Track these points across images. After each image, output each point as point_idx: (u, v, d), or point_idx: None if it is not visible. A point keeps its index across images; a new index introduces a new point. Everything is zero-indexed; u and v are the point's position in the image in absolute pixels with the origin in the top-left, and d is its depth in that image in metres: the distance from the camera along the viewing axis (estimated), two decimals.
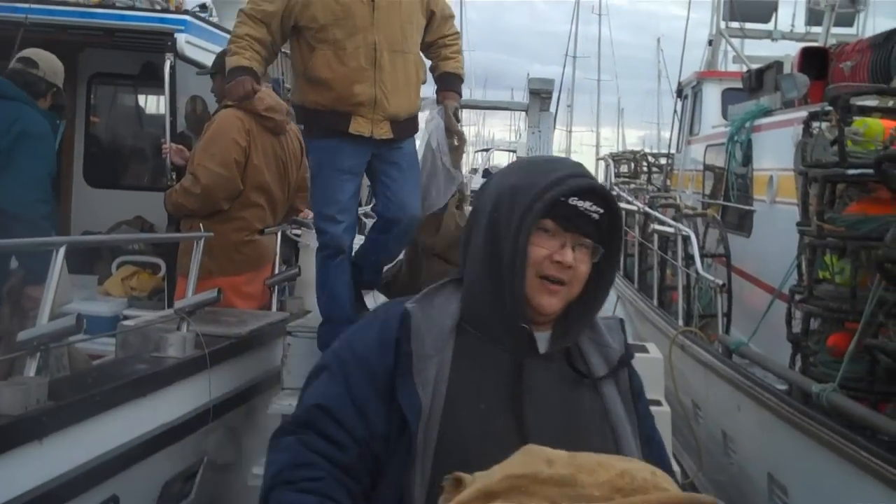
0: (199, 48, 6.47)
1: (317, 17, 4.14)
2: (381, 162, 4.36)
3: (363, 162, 4.34)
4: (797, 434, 5.18)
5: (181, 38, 6.43)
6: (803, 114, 6.53)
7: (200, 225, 5.18)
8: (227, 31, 7.54)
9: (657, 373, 6.86)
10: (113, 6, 6.99)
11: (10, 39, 5.83)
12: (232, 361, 4.44)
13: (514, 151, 47.22)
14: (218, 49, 6.58)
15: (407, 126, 4.38)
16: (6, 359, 3.23)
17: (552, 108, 4.77)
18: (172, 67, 6.41)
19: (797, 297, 5.73)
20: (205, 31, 6.95)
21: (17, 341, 3.14)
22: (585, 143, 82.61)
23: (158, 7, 7.58)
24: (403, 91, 4.27)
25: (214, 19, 8.53)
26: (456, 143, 4.40)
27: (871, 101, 5.60)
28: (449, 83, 4.52)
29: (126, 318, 6.22)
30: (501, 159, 56.18)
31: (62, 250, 3.44)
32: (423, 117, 4.54)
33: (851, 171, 5.19)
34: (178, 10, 7.44)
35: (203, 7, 8.11)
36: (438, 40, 4.50)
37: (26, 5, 6.64)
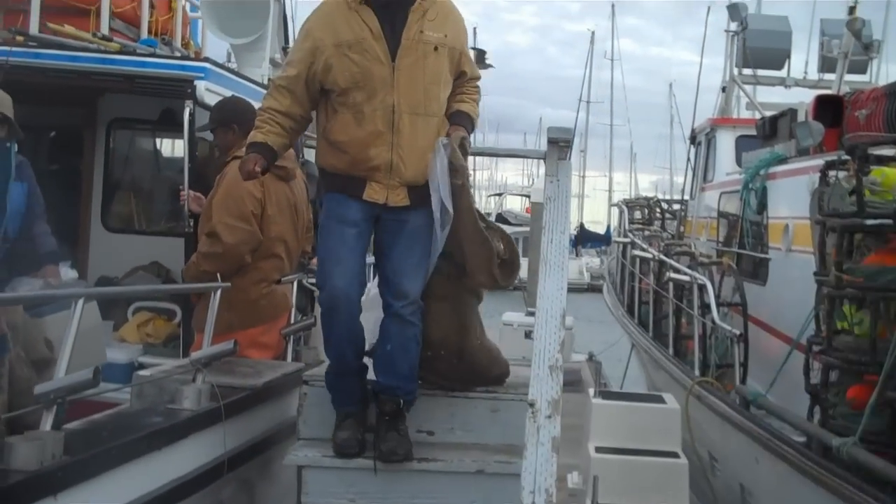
0: (218, 95, 6.51)
1: (337, 80, 4.07)
2: (385, 231, 4.20)
3: (370, 222, 4.19)
4: (817, 488, 5.12)
5: (201, 86, 6.46)
6: (819, 162, 6.51)
7: (218, 274, 5.18)
8: (247, 79, 7.64)
9: (674, 424, 6.84)
10: (134, 53, 7.06)
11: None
12: (247, 413, 4.42)
13: (527, 196, 47.34)
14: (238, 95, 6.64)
15: (425, 193, 4.12)
16: (25, 412, 3.20)
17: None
18: (192, 114, 6.45)
19: (815, 348, 5.68)
20: (224, 78, 7.00)
21: (35, 395, 3.12)
22: (598, 188, 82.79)
23: (178, 54, 7.65)
24: (424, 156, 4.08)
25: (234, 66, 8.62)
26: (460, 181, 4.10)
27: (888, 151, 5.58)
28: (459, 119, 4.32)
29: (141, 365, 6.22)
30: (514, 204, 56.44)
31: (81, 302, 3.44)
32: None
33: (870, 222, 5.16)
34: (198, 57, 7.50)
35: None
36: (457, 90, 4.37)
37: (46, 51, 6.73)
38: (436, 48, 4.13)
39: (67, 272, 6.04)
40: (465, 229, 4.12)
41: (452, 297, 4.32)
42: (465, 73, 4.34)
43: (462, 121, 4.31)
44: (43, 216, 5.64)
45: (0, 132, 5.25)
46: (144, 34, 8.40)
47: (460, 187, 4.07)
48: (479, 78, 4.48)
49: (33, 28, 7.23)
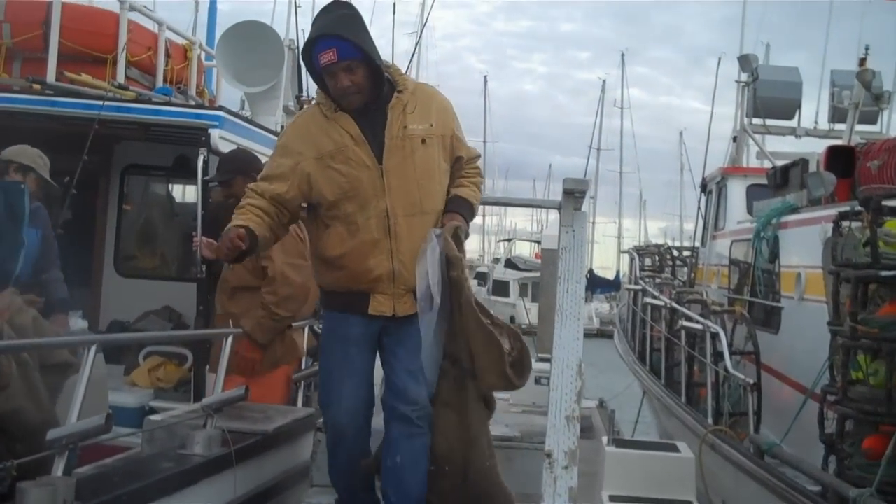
0: (232, 143, 6.56)
1: (324, 193, 3.84)
2: (389, 335, 3.95)
3: (373, 336, 3.95)
4: None
5: (215, 134, 6.52)
6: (831, 212, 6.52)
7: (230, 321, 5.19)
8: (261, 127, 7.72)
9: (688, 472, 6.77)
10: (149, 101, 7.13)
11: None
12: (258, 458, 4.39)
13: (537, 242, 47.43)
14: (251, 144, 6.69)
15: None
16: (38, 458, 3.19)
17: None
18: (206, 162, 6.50)
19: (830, 397, 5.64)
20: (238, 126, 7.06)
21: (47, 440, 3.12)
22: (608, 234, 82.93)
23: (193, 103, 7.72)
24: None
25: (248, 114, 8.70)
26: (455, 273, 3.74)
27: None
28: (455, 206, 3.99)
29: (152, 409, 6.21)
30: (523, 249, 56.54)
31: (94, 349, 3.44)
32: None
33: (885, 273, 5.15)
34: (213, 106, 7.57)
35: None
36: (456, 172, 4.10)
37: (63, 99, 6.81)
38: (423, 140, 3.89)
39: (77, 322, 6.06)
40: (468, 326, 3.78)
41: (459, 404, 3.89)
42: (460, 157, 4.10)
43: (458, 207, 4.01)
44: (56, 263, 5.69)
45: (17, 175, 5.31)
46: (160, 83, 8.50)
47: (457, 280, 3.75)
48: (478, 157, 4.25)
49: (50, 76, 7.33)
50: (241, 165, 5.77)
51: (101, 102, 6.69)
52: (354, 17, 3.84)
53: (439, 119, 3.99)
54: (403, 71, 4.14)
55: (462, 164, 4.10)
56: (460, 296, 3.75)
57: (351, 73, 3.76)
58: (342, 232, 3.84)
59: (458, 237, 3.84)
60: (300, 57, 4.13)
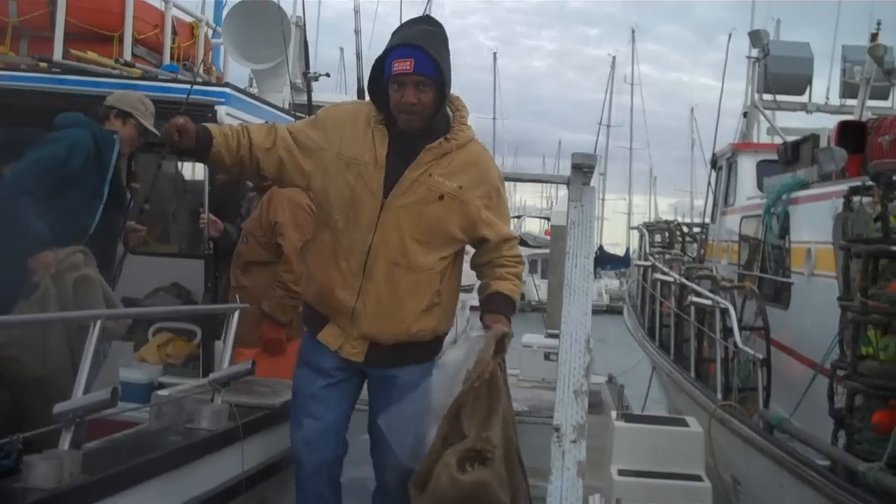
0: (238, 120, 6.53)
1: (328, 194, 3.65)
2: (372, 389, 3.80)
3: (350, 372, 3.74)
4: None
5: (221, 111, 6.49)
6: (842, 187, 6.48)
7: (237, 296, 5.18)
8: (267, 104, 7.68)
9: (697, 447, 6.78)
10: (155, 78, 7.10)
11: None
12: (265, 432, 4.40)
13: (546, 219, 47.37)
14: (258, 121, 6.66)
15: (394, 355, 3.65)
16: (44, 431, 3.20)
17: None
18: None
19: (840, 372, 5.63)
20: (245, 103, 7.03)
21: (53, 414, 3.12)
22: (617, 211, 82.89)
23: (200, 80, 7.69)
24: (395, 313, 3.59)
25: (255, 91, 8.67)
26: (476, 383, 3.25)
27: None
28: (501, 306, 3.64)
29: (161, 385, 6.22)
30: (533, 226, 56.50)
31: (98, 324, 3.44)
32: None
33: None
34: (220, 83, 7.54)
35: None
36: (495, 259, 3.73)
37: (69, 77, 6.79)
38: (441, 197, 3.57)
39: None
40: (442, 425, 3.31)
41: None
42: (486, 238, 3.70)
43: (503, 308, 3.63)
44: None
45: (116, 122, 5.22)
46: (167, 60, 8.46)
47: (469, 381, 3.27)
48: (514, 239, 3.81)
49: (57, 55, 7.31)
50: None
51: (107, 80, 6.69)
52: (441, 36, 3.61)
53: (472, 186, 3.64)
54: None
55: (496, 248, 3.73)
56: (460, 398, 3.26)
57: (420, 91, 3.51)
58: (327, 244, 3.66)
59: (503, 345, 3.40)
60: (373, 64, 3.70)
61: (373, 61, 3.72)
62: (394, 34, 3.60)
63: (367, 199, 3.55)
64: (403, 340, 3.64)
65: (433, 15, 4.72)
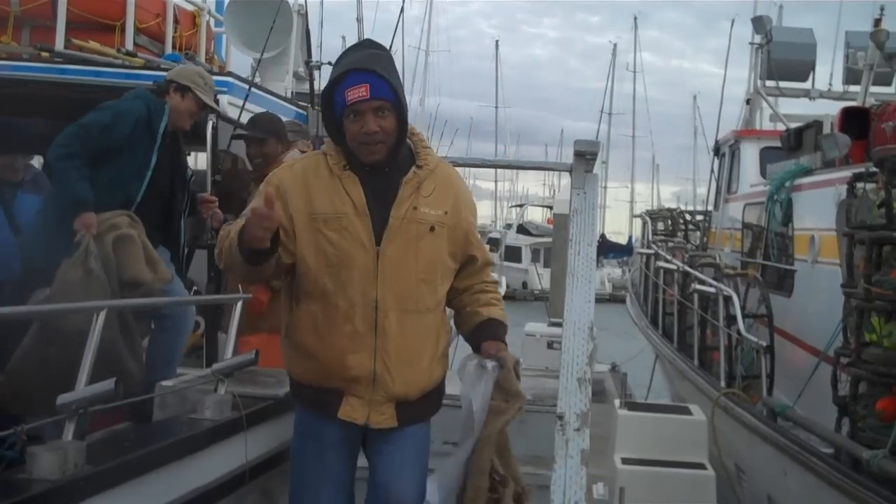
0: (239, 108, 6.52)
1: (305, 257, 3.26)
2: (372, 449, 3.42)
3: (354, 434, 3.37)
4: (846, 500, 5.09)
5: (224, 100, 6.47)
6: (845, 174, 6.47)
7: (239, 287, 5.18)
8: (269, 92, 7.66)
9: (701, 435, 6.80)
10: (158, 68, 7.08)
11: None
12: (269, 422, 4.40)
13: (549, 207, 47.39)
14: (259, 110, 6.65)
15: (420, 408, 3.40)
16: (45, 423, 3.20)
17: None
18: (215, 128, 6.45)
19: (843, 359, 5.63)
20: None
21: (57, 405, 3.13)
22: (620, 199, 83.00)
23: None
24: (416, 362, 3.31)
25: (257, 80, 8.64)
26: (503, 405, 3.21)
27: None
28: (498, 331, 3.47)
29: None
30: (535, 214, 56.52)
31: (103, 314, 3.45)
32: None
33: None
34: (222, 72, 7.52)
35: None
36: (476, 285, 3.55)
37: (71, 66, 6.78)
38: (432, 228, 3.32)
39: None
40: (475, 464, 3.29)
41: None
42: (474, 258, 3.53)
43: (500, 333, 3.48)
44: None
45: (176, 95, 5.26)
46: (169, 49, 8.43)
47: (499, 413, 3.20)
48: (492, 264, 3.71)
49: (59, 44, 7.29)
50: (278, 128, 5.88)
51: (109, 69, 6.67)
52: (389, 59, 3.35)
53: (456, 209, 3.41)
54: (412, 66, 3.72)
55: (479, 272, 3.56)
56: (489, 427, 3.20)
57: (381, 118, 3.20)
58: (316, 313, 3.26)
59: (517, 372, 3.28)
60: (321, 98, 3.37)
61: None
62: (337, 63, 3.33)
63: (357, 253, 3.21)
64: (429, 389, 3.40)
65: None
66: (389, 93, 3.21)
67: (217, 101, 5.53)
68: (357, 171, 3.27)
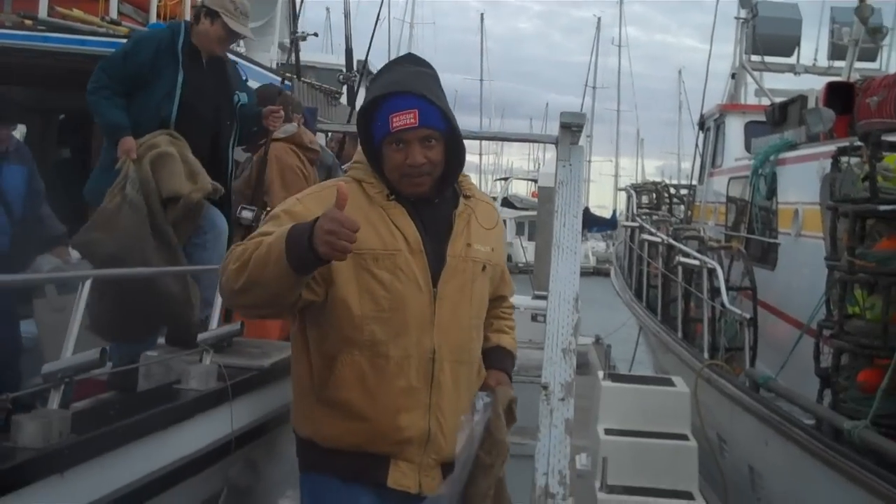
0: None
1: (349, 303, 2.75)
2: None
3: None
4: (828, 470, 5.12)
5: None
6: (829, 148, 6.50)
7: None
8: (252, 62, 7.61)
9: (683, 406, 6.85)
10: None
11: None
12: (254, 393, 4.40)
13: (533, 180, 47.39)
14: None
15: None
16: (30, 391, 3.20)
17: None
18: None
19: (826, 332, 5.67)
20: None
21: (42, 373, 3.12)
22: (604, 173, 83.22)
23: None
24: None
25: (241, 50, 8.58)
26: (490, 462, 2.71)
27: None
28: (503, 362, 3.11)
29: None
30: (520, 188, 56.54)
31: (88, 283, 3.43)
32: None
33: (883, 207, 5.14)
34: None
35: None
36: (493, 311, 3.14)
37: (55, 35, 6.71)
38: (484, 267, 2.94)
39: (75, 254, 6.06)
40: None
41: None
42: (504, 297, 3.20)
43: (506, 364, 3.13)
44: (44, 199, 5.67)
45: (206, 21, 5.13)
46: (153, 18, 8.36)
47: (487, 469, 2.71)
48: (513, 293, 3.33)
49: (42, 12, 7.21)
50: (274, 99, 5.80)
51: (93, 38, 6.60)
52: (437, 80, 2.92)
53: (498, 244, 3.06)
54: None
55: (499, 300, 3.19)
56: (479, 485, 2.69)
57: (428, 148, 2.78)
58: (363, 365, 2.77)
59: (512, 413, 2.89)
60: (357, 119, 2.88)
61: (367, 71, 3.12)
62: (377, 79, 2.93)
63: (412, 295, 2.78)
64: None
65: None
66: (441, 121, 2.80)
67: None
68: (402, 201, 2.84)
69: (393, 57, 3.53)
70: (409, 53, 3.02)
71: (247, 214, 5.46)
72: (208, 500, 4.23)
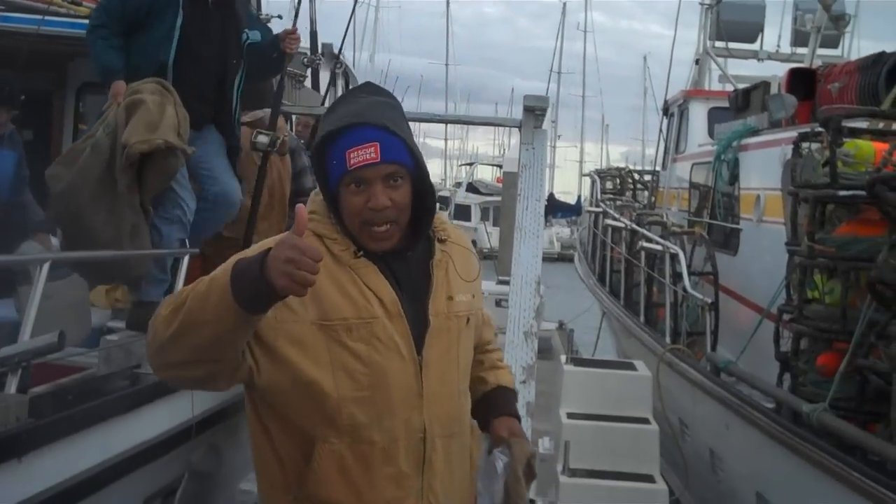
0: None
1: (322, 386, 2.28)
2: None
3: None
4: (787, 453, 5.19)
5: None
6: (791, 134, 6.55)
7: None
8: None
9: (645, 390, 6.90)
10: None
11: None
12: None
13: (498, 166, 47.44)
14: None
15: None
16: None
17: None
18: None
19: (786, 316, 5.72)
20: None
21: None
22: (569, 159, 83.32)
23: None
24: (457, 494, 2.48)
25: None
26: None
27: (861, 123, 5.61)
28: (510, 405, 2.69)
29: (110, 329, 6.15)
30: (485, 173, 56.57)
31: (46, 266, 3.39)
32: None
33: (843, 193, 5.19)
34: None
35: None
36: (479, 346, 2.68)
37: (14, 14, 6.60)
38: (468, 320, 2.54)
39: (56, 241, 6.00)
40: None
41: None
42: (489, 341, 2.78)
43: (512, 407, 2.71)
44: (27, 187, 5.61)
45: None
46: None
47: None
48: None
49: None
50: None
51: (54, 18, 6.50)
52: (401, 111, 2.50)
53: (479, 290, 2.67)
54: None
55: (485, 340, 2.79)
56: None
57: (393, 189, 2.33)
58: (344, 455, 2.32)
59: (532, 469, 2.49)
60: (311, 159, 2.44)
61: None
62: (331, 112, 2.47)
63: (394, 367, 2.34)
64: None
65: None
66: (405, 155, 2.36)
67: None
68: (371, 256, 2.38)
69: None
70: (368, 82, 2.62)
71: (262, 139, 5.18)
72: (169, 485, 4.21)
